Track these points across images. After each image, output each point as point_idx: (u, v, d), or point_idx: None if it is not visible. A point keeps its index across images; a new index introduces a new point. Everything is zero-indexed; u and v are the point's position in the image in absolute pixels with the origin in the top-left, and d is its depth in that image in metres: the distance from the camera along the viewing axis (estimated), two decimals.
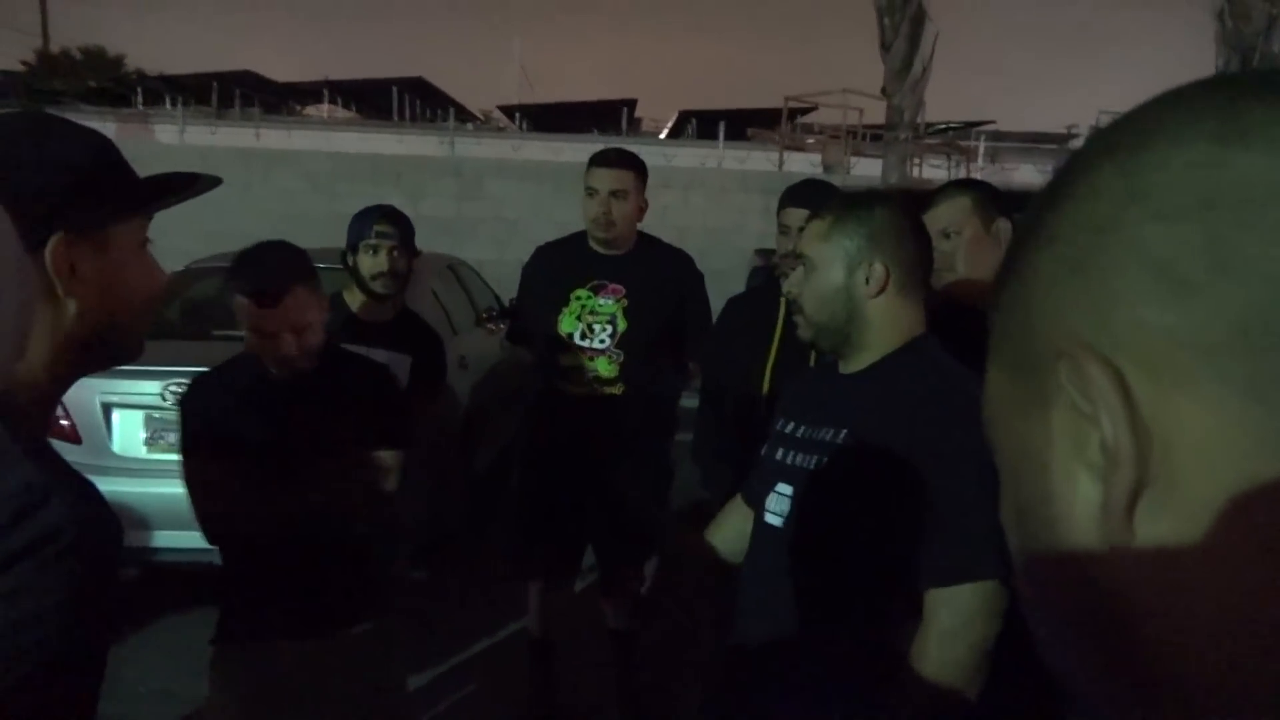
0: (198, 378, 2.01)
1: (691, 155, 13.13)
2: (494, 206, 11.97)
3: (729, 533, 1.67)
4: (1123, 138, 0.33)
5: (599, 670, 3.08)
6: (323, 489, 1.91)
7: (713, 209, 11.86)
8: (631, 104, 20.83)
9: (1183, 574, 0.31)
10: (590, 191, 2.70)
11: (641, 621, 3.05)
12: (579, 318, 2.71)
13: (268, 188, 11.38)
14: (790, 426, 1.53)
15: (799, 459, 1.47)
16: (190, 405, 1.95)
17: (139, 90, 17.41)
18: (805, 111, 18.32)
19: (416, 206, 12.15)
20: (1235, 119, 0.31)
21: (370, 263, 2.61)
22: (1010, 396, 0.36)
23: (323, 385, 1.95)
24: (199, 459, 1.91)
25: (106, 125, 12.66)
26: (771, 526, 1.47)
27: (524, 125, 19.26)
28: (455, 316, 4.99)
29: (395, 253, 2.62)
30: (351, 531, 1.96)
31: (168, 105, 13.88)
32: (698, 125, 18.29)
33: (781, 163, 13.41)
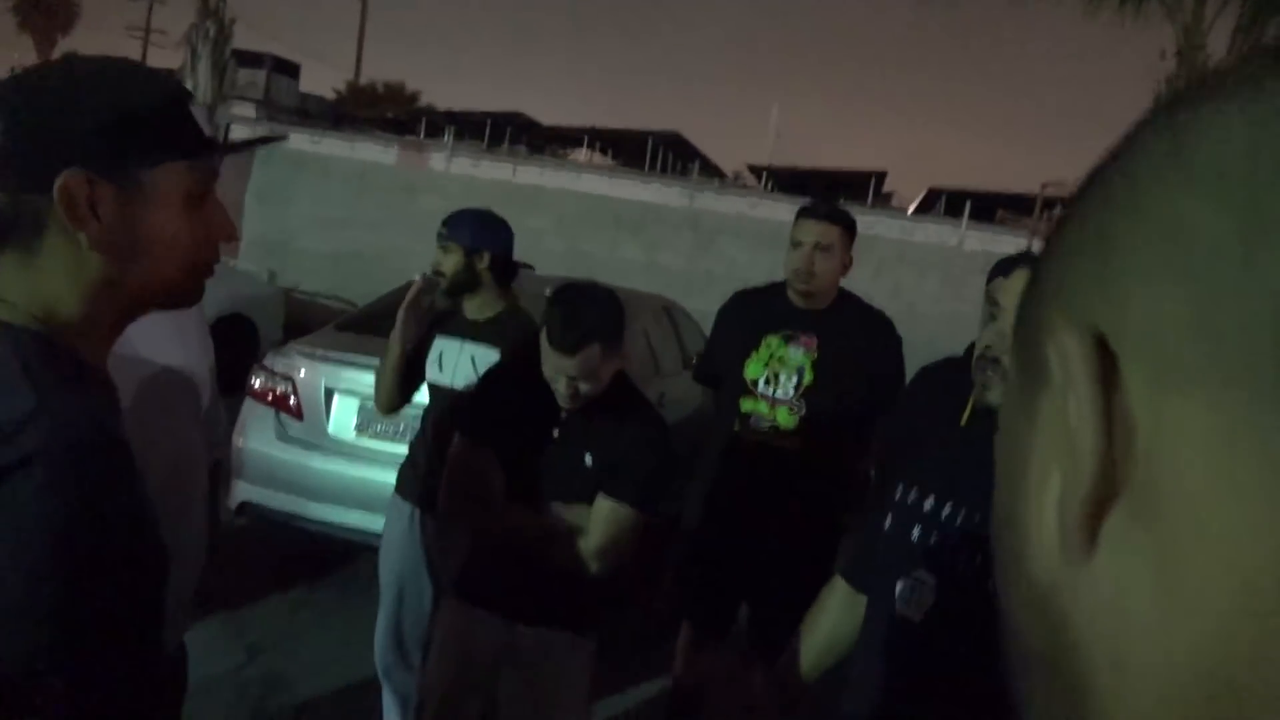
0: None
1: (933, 232, 12.76)
2: (726, 262, 12.14)
3: (830, 621, 1.52)
4: (1179, 102, 0.28)
5: None
6: (557, 524, 2.00)
7: (950, 291, 11.46)
8: (881, 175, 20.59)
9: (1144, 618, 0.25)
10: (795, 244, 2.67)
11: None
12: (766, 364, 2.68)
13: (518, 223, 12.12)
14: (931, 503, 1.34)
15: (945, 543, 1.30)
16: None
17: (423, 121, 19.10)
18: (1062, 201, 17.39)
19: (653, 255, 12.57)
20: None
21: (438, 259, 2.71)
22: (1013, 393, 0.31)
23: (603, 419, 2.00)
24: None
25: (390, 149, 13.97)
26: (905, 620, 1.30)
27: (770, 186, 19.44)
28: (662, 357, 5.08)
29: (453, 253, 2.67)
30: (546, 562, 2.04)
31: (445, 138, 15.10)
32: (945, 204, 17.81)
33: (1029, 248, 12.77)
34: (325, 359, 3.90)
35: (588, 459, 1.99)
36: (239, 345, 6.67)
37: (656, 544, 2.15)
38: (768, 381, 2.68)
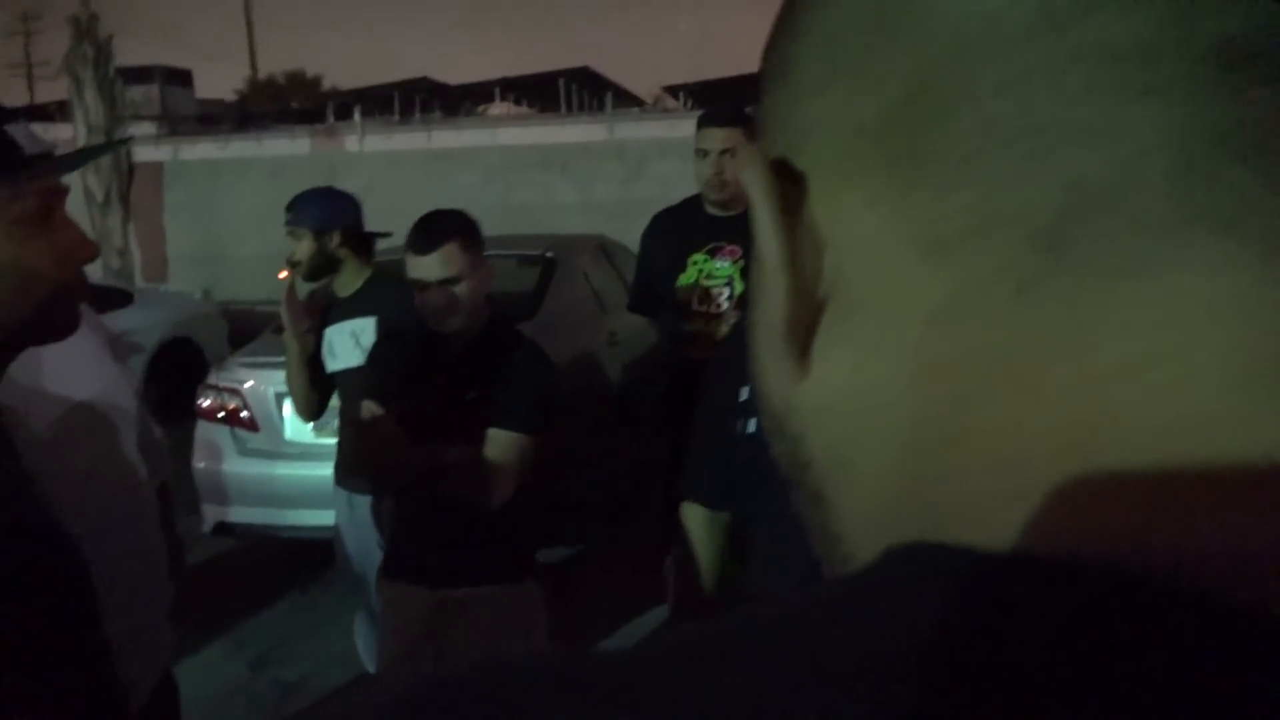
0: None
1: None
2: (660, 187, 12.05)
3: (714, 552, 1.60)
4: None
5: None
6: (455, 455, 2.01)
7: None
8: None
9: (852, 418, 0.26)
10: (701, 153, 2.65)
11: None
12: (695, 283, 2.68)
13: (445, 186, 11.93)
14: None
15: None
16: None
17: (330, 106, 18.64)
18: None
19: (587, 194, 12.45)
20: None
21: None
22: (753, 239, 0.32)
23: (482, 356, 2.07)
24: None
25: (300, 141, 13.64)
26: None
27: (689, 105, 19.27)
28: (606, 296, 5.06)
29: (301, 236, 2.67)
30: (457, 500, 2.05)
31: (355, 118, 14.77)
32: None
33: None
34: (269, 365, 3.84)
35: (471, 395, 2.05)
36: (186, 369, 6.56)
37: (551, 469, 2.19)
38: (701, 300, 2.68)
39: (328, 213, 2.64)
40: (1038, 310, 0.22)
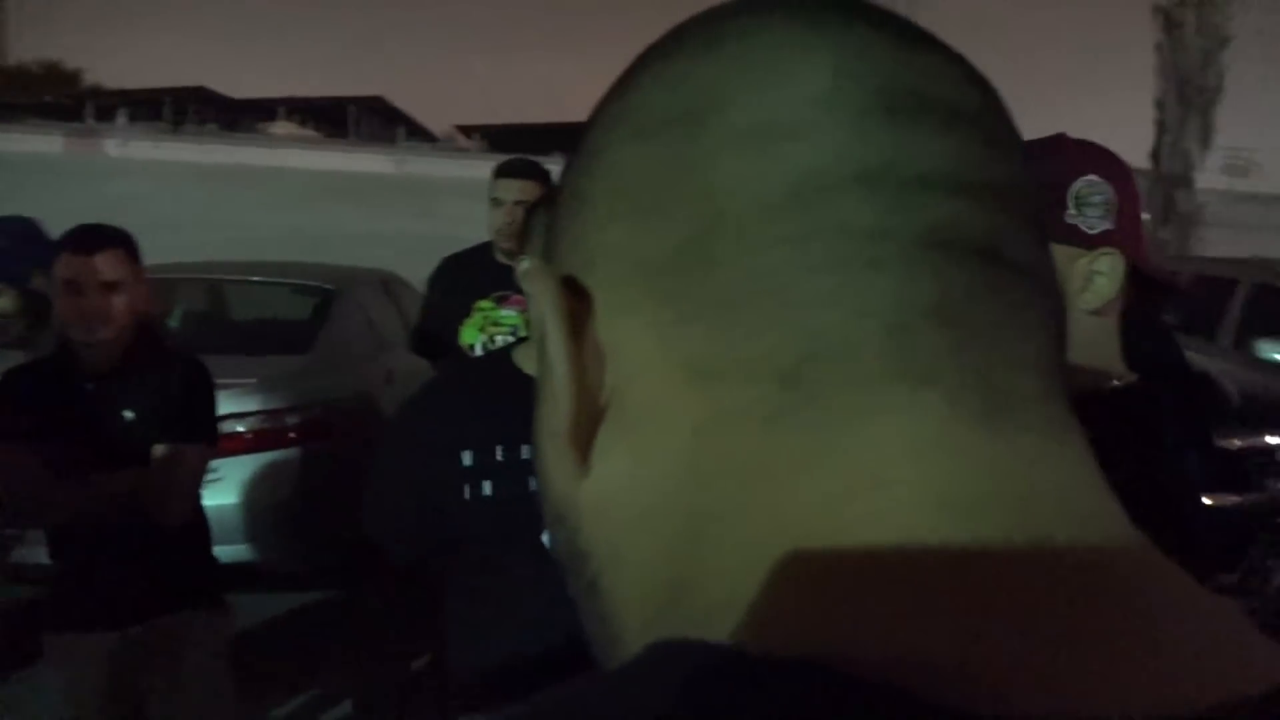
0: (10, 370, 2.05)
1: None
2: (449, 225, 11.95)
3: None
4: (633, 62, 0.32)
5: None
6: (121, 480, 1.93)
7: None
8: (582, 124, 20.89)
9: (626, 514, 0.29)
10: (496, 202, 2.69)
11: None
12: (481, 329, 2.70)
13: (223, 205, 11.28)
14: (526, 450, 1.33)
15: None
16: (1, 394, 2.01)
17: (88, 104, 17.20)
18: None
19: (372, 225, 12.14)
20: (711, 29, 0.30)
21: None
22: (534, 345, 0.36)
23: (123, 379, 1.97)
24: (6, 445, 1.96)
25: (53, 139, 12.51)
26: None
27: (484, 145, 19.25)
28: (385, 331, 4.95)
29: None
30: (154, 523, 1.96)
31: (120, 120, 13.70)
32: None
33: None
34: None
35: (128, 415, 1.97)
36: None
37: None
38: (485, 347, 2.69)
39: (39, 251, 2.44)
40: (782, 438, 0.26)
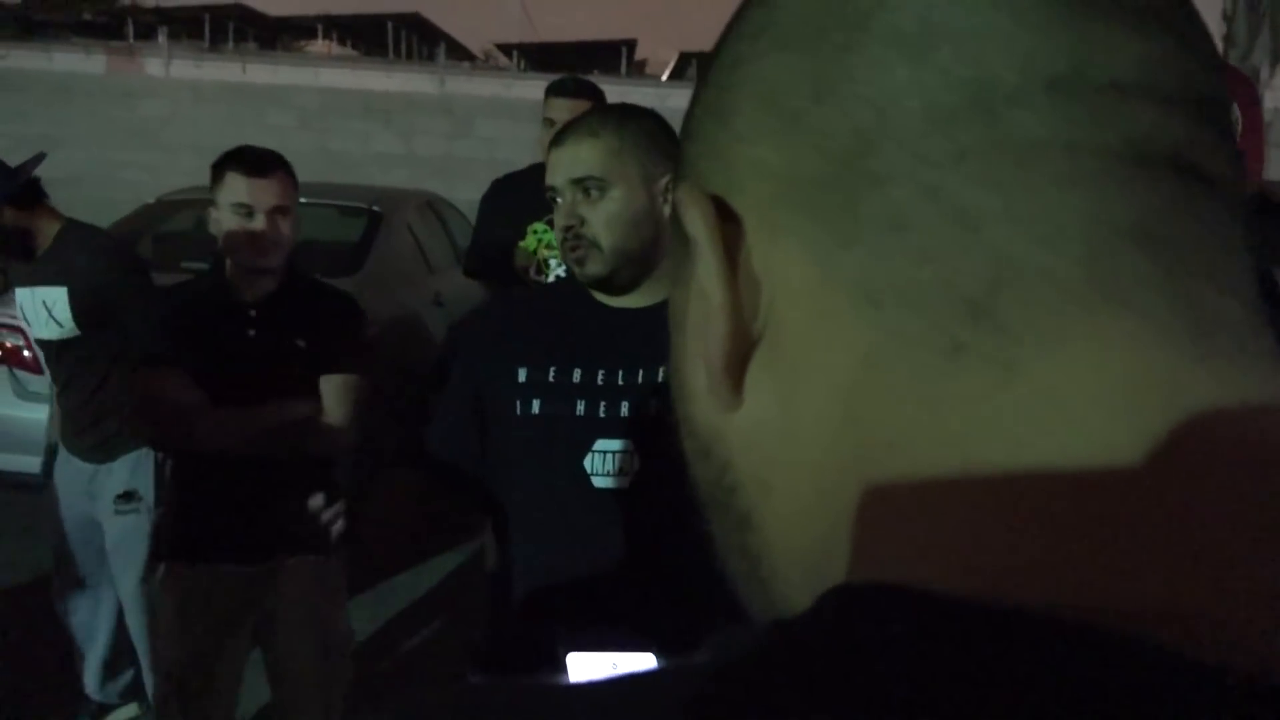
0: (170, 290, 2.07)
1: (686, 97, 12.90)
2: (486, 146, 11.82)
3: None
4: None
5: None
6: (276, 410, 1.92)
7: None
8: (631, 44, 20.48)
9: (778, 448, 0.28)
10: (548, 122, 2.64)
11: None
12: (535, 251, 2.68)
13: (256, 123, 11.23)
14: (579, 373, 1.34)
15: (618, 409, 1.32)
16: (151, 321, 2.02)
17: (129, 22, 17.12)
18: None
19: (410, 145, 12.04)
20: None
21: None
22: (674, 265, 0.33)
23: (286, 308, 1.97)
24: (155, 369, 1.95)
25: (95, 57, 12.46)
26: (604, 490, 1.31)
27: (522, 64, 18.99)
28: (432, 254, 4.96)
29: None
30: (302, 458, 1.96)
31: (159, 39, 13.64)
32: (699, 67, 18.01)
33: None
34: None
35: (300, 343, 1.96)
36: None
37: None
38: (537, 270, 2.67)
39: None
40: (968, 367, 0.24)
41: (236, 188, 1.89)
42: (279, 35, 20.78)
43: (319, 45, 20.25)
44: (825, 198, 0.26)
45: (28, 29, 17.21)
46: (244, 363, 1.94)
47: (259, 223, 1.88)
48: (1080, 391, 0.23)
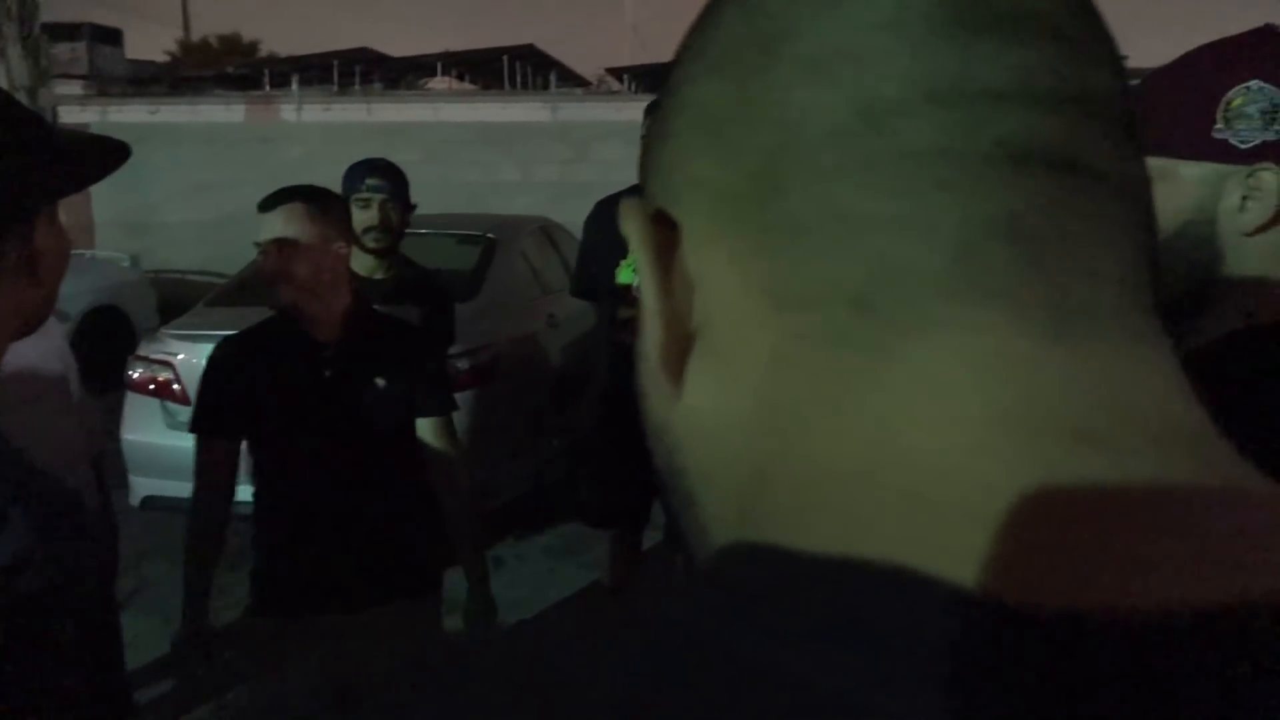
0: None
1: None
2: (601, 170, 12.03)
3: None
4: (706, 12, 0.33)
5: None
6: (364, 455, 1.88)
7: None
8: None
9: (713, 434, 0.31)
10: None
11: None
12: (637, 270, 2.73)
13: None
14: None
15: None
16: (222, 365, 1.94)
17: (266, 73, 18.19)
18: None
19: (528, 173, 12.39)
20: None
21: (361, 217, 2.58)
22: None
23: (358, 349, 1.90)
24: (230, 420, 1.92)
25: (235, 108, 13.31)
26: None
27: (633, 87, 19.24)
28: (545, 277, 5.08)
29: (387, 206, 2.61)
30: (394, 502, 1.93)
31: (293, 86, 14.44)
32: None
33: None
34: (202, 338, 3.79)
35: (380, 383, 1.90)
36: (113, 338, 6.41)
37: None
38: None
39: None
40: (848, 359, 0.27)
41: (260, 232, 1.87)
42: (403, 75, 21.69)
43: (439, 81, 21.02)
44: (742, 209, 0.29)
45: (175, 85, 18.46)
46: (321, 403, 1.86)
47: (267, 258, 1.85)
48: (944, 373, 0.26)
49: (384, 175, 2.62)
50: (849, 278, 0.27)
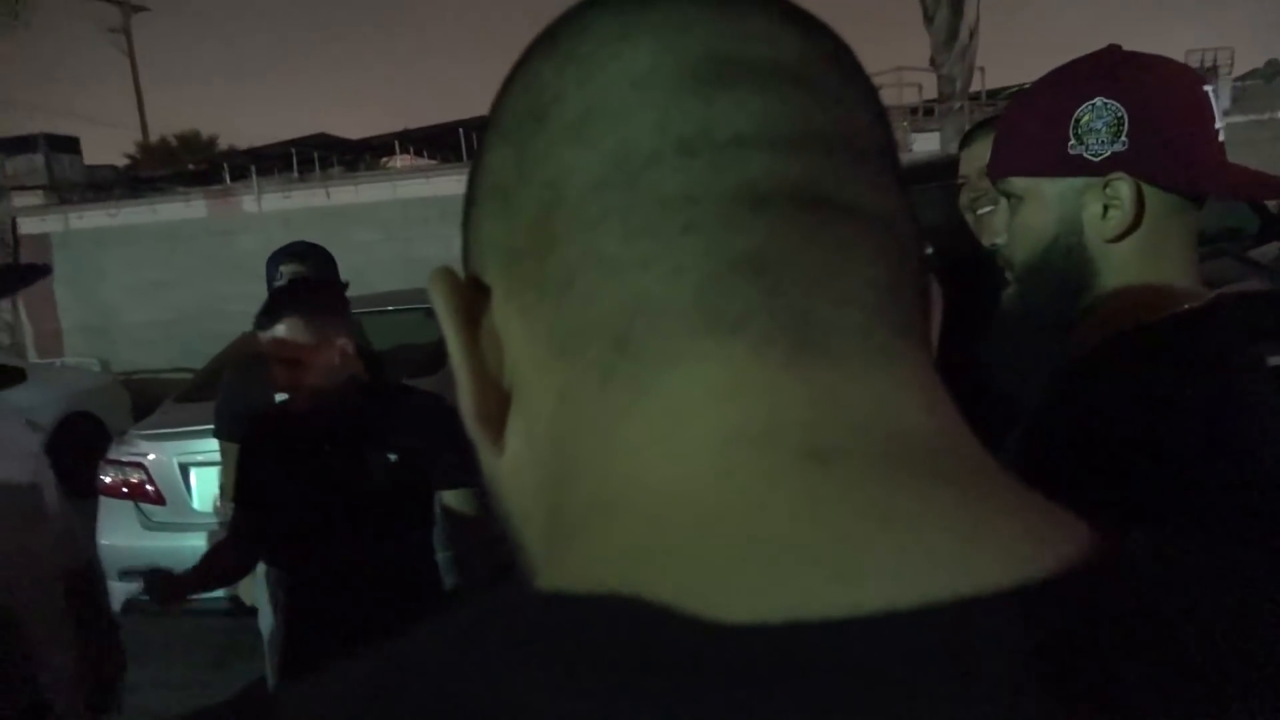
0: (253, 414, 2.09)
1: None
2: None
3: None
4: (511, 67, 0.35)
5: None
6: (383, 531, 1.87)
7: None
8: None
9: (522, 479, 0.33)
10: None
11: None
12: None
13: (342, 242, 11.79)
14: None
15: None
16: (246, 444, 2.01)
17: (225, 167, 18.31)
18: None
19: None
20: (556, 28, 0.33)
21: None
22: None
23: (365, 420, 1.90)
24: (254, 502, 1.97)
25: (196, 204, 13.37)
26: None
27: None
28: None
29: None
30: (419, 574, 1.95)
31: (252, 177, 14.54)
32: None
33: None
34: (172, 436, 3.80)
35: (391, 458, 1.90)
36: (87, 444, 6.37)
37: None
38: None
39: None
40: (611, 396, 0.29)
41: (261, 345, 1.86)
42: (361, 156, 21.83)
43: (399, 159, 21.20)
44: (526, 265, 0.32)
45: (134, 186, 18.50)
46: (329, 479, 1.86)
47: (277, 373, 1.86)
48: (687, 403, 0.28)
49: (300, 260, 2.51)
50: (612, 320, 0.29)
